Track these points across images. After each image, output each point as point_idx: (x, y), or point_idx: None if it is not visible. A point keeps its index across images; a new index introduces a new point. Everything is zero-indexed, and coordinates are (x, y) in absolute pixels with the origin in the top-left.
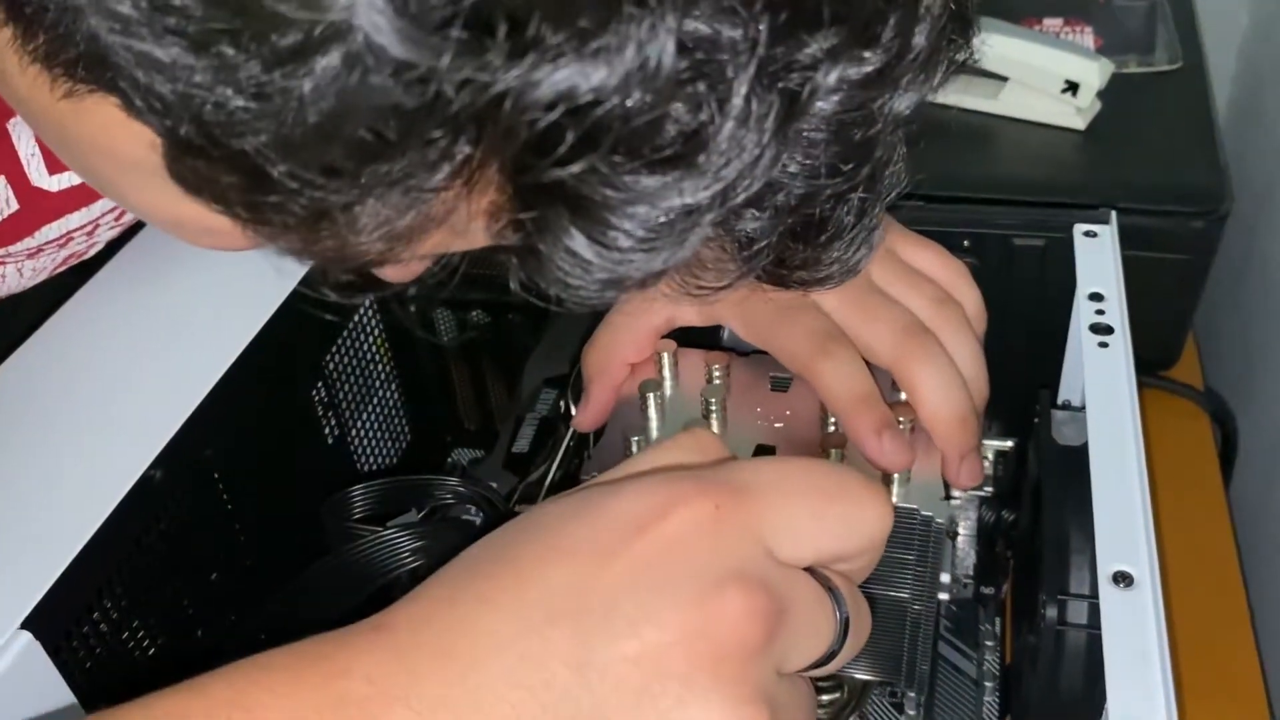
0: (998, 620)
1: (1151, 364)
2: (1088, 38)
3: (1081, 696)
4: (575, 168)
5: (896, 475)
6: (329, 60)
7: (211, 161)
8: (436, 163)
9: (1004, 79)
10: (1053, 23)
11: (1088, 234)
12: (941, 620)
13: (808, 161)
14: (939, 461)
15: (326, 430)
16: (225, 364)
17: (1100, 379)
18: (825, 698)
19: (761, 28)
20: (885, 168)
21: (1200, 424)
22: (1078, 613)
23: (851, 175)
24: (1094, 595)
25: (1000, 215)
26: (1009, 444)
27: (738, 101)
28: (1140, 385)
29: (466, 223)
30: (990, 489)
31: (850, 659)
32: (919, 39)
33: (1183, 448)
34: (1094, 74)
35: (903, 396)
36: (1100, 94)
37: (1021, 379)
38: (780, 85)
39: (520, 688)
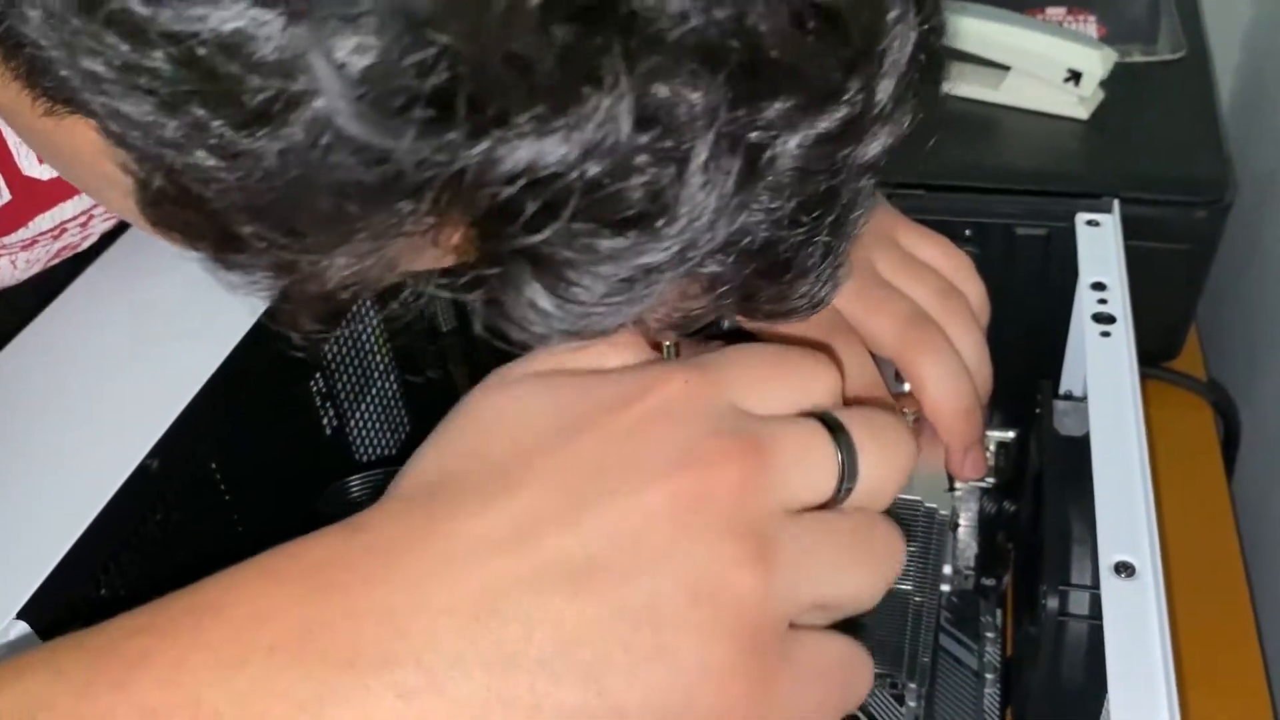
0: (999, 612)
1: (1154, 355)
2: (1091, 26)
3: (1083, 687)
4: (537, 236)
5: None
6: (293, 130)
7: (183, 208)
8: (399, 225)
9: (1006, 68)
10: (1056, 11)
11: (1090, 223)
12: (942, 612)
13: (772, 210)
14: (942, 453)
15: (325, 421)
16: (222, 354)
17: (1102, 369)
18: None
19: (721, 94)
20: (852, 211)
21: (1203, 415)
22: (1079, 604)
23: (816, 222)
24: (1095, 586)
25: (1002, 204)
26: (1010, 435)
27: (697, 166)
28: (1142, 376)
29: (436, 259)
30: (992, 480)
31: (886, 488)
32: (883, 94)
33: (1185, 439)
34: (1097, 63)
35: (906, 387)
36: (1103, 83)
37: (1023, 369)
38: (741, 148)
39: (508, 554)
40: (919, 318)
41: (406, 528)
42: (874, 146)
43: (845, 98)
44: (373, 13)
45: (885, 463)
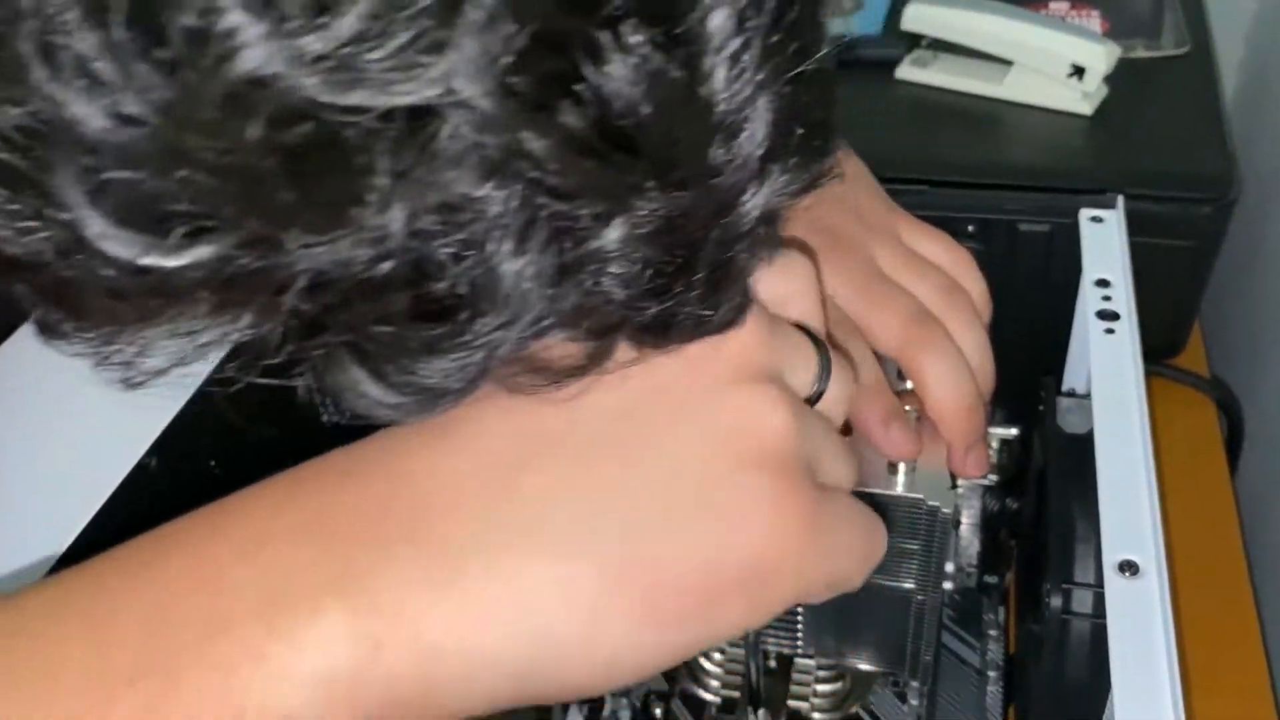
0: (1001, 610)
1: (1157, 352)
2: (1094, 21)
3: (1085, 686)
4: (338, 335)
5: (902, 464)
6: (47, 241)
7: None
8: (198, 313)
9: (1009, 63)
10: (1059, 6)
11: (1094, 219)
12: (945, 609)
13: (624, 275)
14: (944, 451)
15: (324, 416)
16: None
17: (1106, 366)
18: (827, 688)
19: (516, 198)
20: (735, 265)
21: (1206, 413)
22: (1082, 602)
23: (684, 284)
24: (1099, 584)
25: (1006, 200)
26: (1013, 432)
27: (505, 260)
28: (1145, 373)
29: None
30: (994, 477)
31: (838, 408)
32: (737, 174)
33: (1188, 436)
34: (1100, 58)
35: (909, 385)
36: (1107, 79)
37: (1026, 366)
38: (555, 240)
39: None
40: (922, 315)
41: (433, 441)
42: (739, 216)
43: (649, 206)
44: (118, 142)
45: (841, 383)
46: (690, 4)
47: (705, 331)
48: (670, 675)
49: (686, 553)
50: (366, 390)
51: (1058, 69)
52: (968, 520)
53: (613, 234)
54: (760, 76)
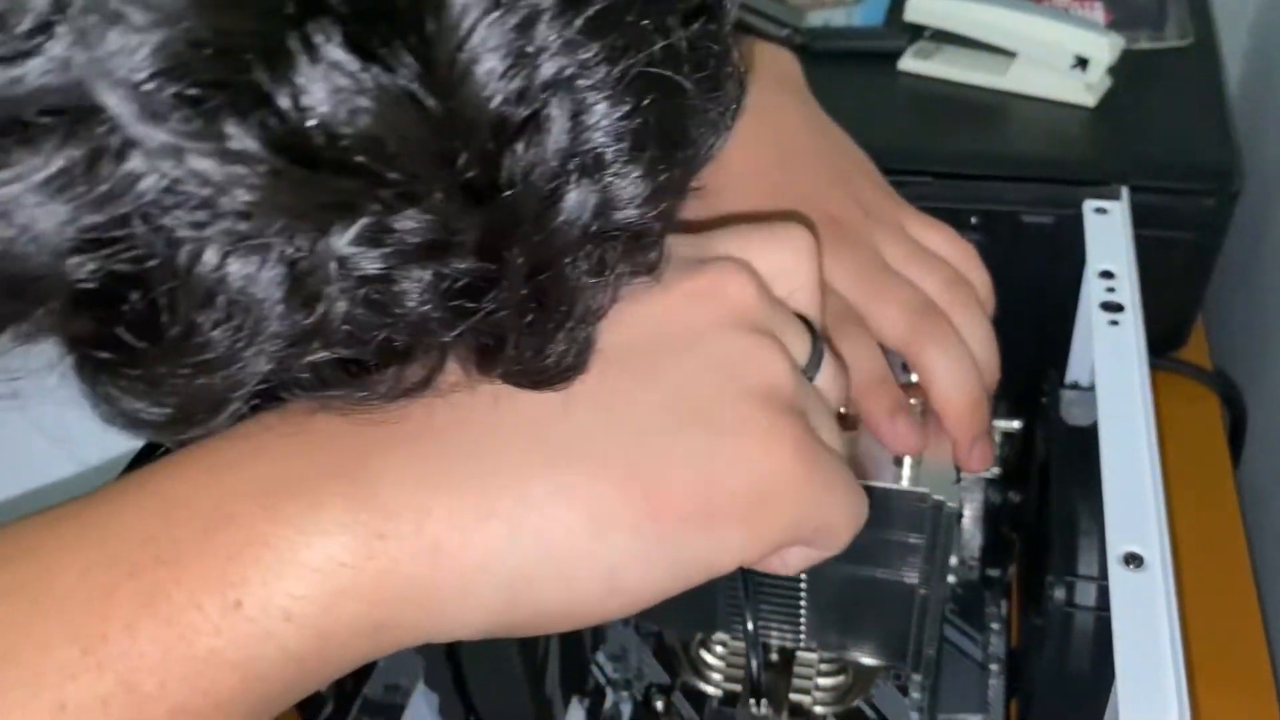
0: (1004, 603)
1: (1160, 344)
2: (1098, 13)
3: (1088, 679)
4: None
5: (907, 458)
6: None
7: None
8: None
9: (1013, 54)
10: None
11: (1098, 210)
12: (948, 603)
13: (397, 291)
14: (949, 445)
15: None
16: None
17: (1110, 358)
18: (829, 681)
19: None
20: (559, 285)
21: (1209, 405)
22: (1085, 594)
23: (485, 302)
24: (1102, 577)
25: (1009, 192)
26: (1016, 424)
27: (206, 276)
28: (1149, 366)
29: None
30: (997, 470)
31: (826, 393)
32: (526, 185)
33: (1191, 429)
34: (1104, 50)
35: (913, 378)
36: (1110, 70)
37: (1029, 358)
38: (265, 254)
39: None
40: (927, 308)
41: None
42: (552, 230)
43: (394, 219)
44: None
45: (831, 376)
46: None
47: (543, 364)
48: (672, 668)
49: (687, 464)
50: (119, 401)
51: (1061, 60)
52: (970, 513)
53: (339, 248)
54: (542, 79)
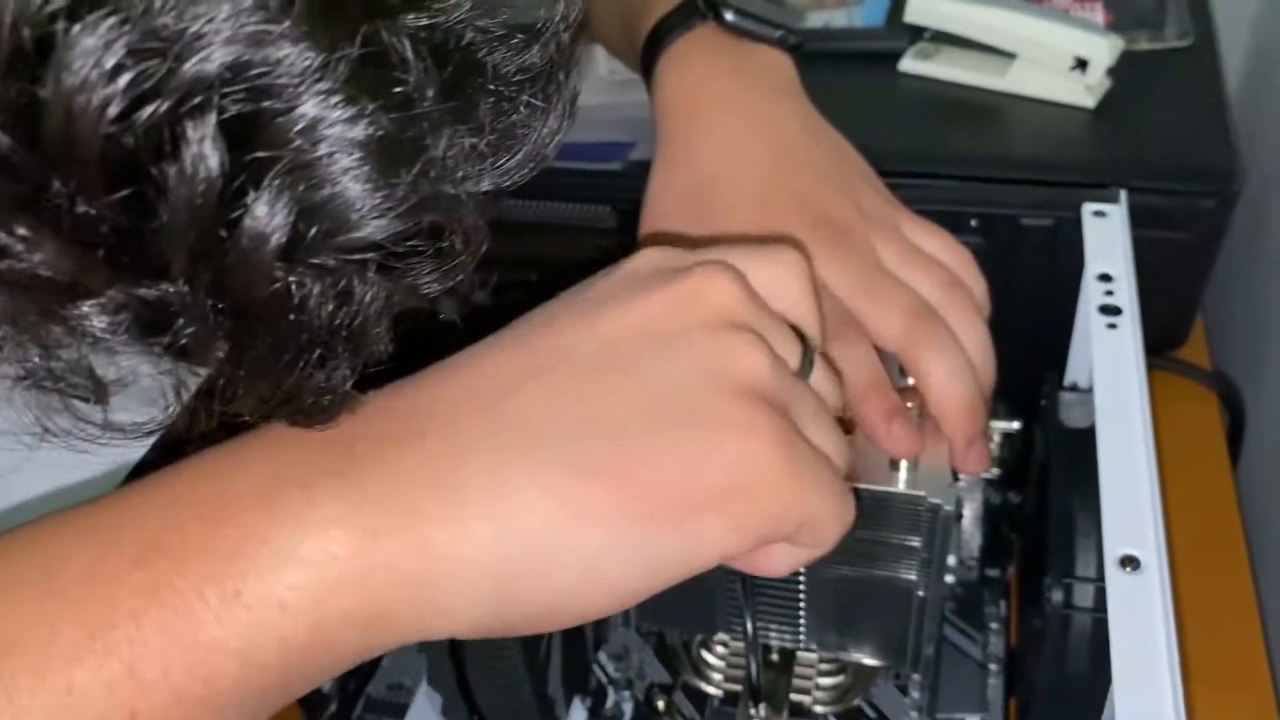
0: (1002, 602)
1: (1159, 344)
2: (1097, 14)
3: (1087, 679)
4: None
5: (904, 461)
6: None
7: None
8: None
9: (1013, 56)
10: None
11: (1097, 214)
12: (946, 602)
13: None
14: (946, 447)
15: None
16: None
17: (1108, 361)
18: (829, 681)
19: None
20: (268, 320)
21: (1208, 405)
22: (1083, 596)
23: (169, 344)
24: (1100, 579)
25: (1009, 195)
26: (1015, 425)
27: None
28: (1147, 366)
29: None
30: (997, 471)
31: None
32: (176, 211)
33: (1190, 429)
34: (1104, 51)
35: (910, 381)
36: (1110, 71)
37: (1029, 360)
38: None
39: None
40: (923, 311)
41: (432, 372)
42: (239, 257)
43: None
44: None
45: (823, 380)
46: None
47: (298, 405)
48: (673, 668)
49: (665, 458)
50: None
51: (1061, 62)
52: (970, 513)
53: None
54: (161, 108)
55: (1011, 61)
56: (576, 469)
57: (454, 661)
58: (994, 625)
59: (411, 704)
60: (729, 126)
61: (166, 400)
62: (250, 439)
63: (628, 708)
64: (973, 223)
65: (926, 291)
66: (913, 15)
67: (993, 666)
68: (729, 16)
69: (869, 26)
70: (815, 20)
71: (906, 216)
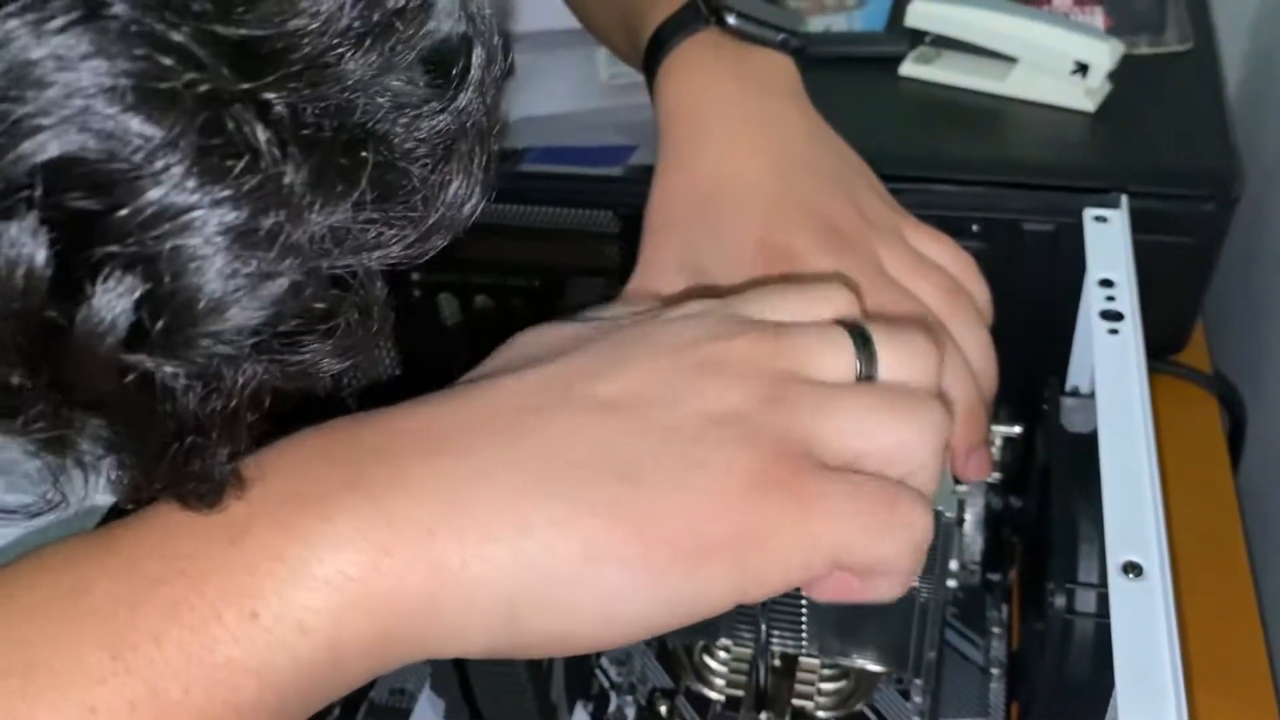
0: (1004, 606)
1: (1160, 348)
2: (1098, 18)
3: (1089, 685)
4: None
5: None
6: None
7: None
8: None
9: (1013, 60)
10: (1062, 2)
11: (1098, 219)
12: (949, 607)
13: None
14: (948, 454)
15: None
16: None
17: (1110, 366)
18: (831, 686)
19: None
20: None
21: (1209, 409)
22: (1086, 601)
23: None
24: (1103, 584)
25: (1010, 199)
26: (1017, 430)
27: None
28: (1148, 370)
29: None
30: (998, 475)
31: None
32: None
33: (1191, 432)
34: (1104, 55)
35: None
36: (1110, 75)
37: (1030, 364)
38: None
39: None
40: (925, 318)
41: (452, 394)
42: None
43: None
44: None
45: (904, 360)
46: None
47: (180, 490)
48: (675, 673)
49: (677, 503)
50: None
51: (1061, 66)
52: (971, 517)
53: None
54: None
55: (1012, 66)
56: (591, 508)
57: (457, 667)
58: (996, 630)
59: (414, 709)
60: (732, 131)
61: (46, 484)
62: (268, 453)
63: (630, 712)
64: (974, 228)
65: (929, 298)
66: (913, 19)
67: (994, 671)
68: (731, 20)
69: (869, 31)
70: (816, 24)
71: (909, 222)
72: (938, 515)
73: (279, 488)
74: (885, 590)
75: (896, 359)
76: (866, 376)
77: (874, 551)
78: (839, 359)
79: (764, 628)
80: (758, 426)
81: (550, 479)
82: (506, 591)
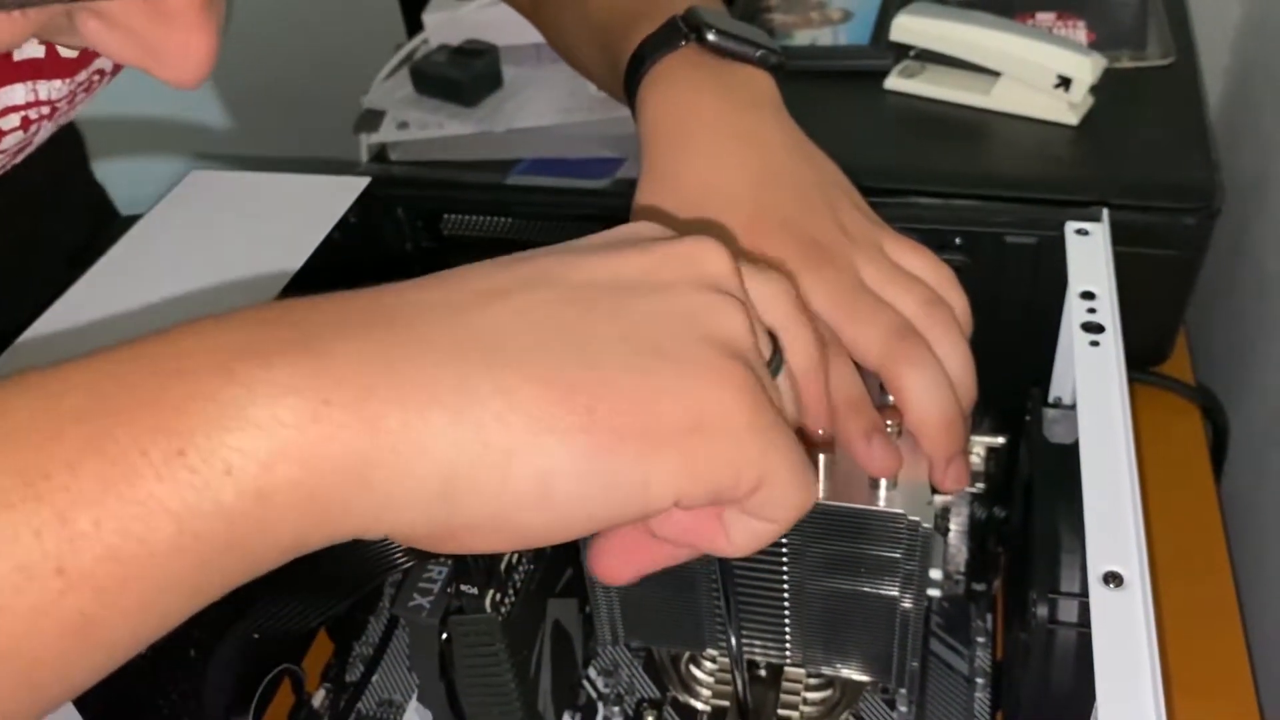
0: (989, 616)
1: (1142, 359)
2: (1080, 32)
3: (1072, 694)
4: None
5: (884, 479)
6: None
7: None
8: None
9: (997, 74)
10: (1045, 17)
11: (1079, 232)
12: (933, 616)
13: None
14: (926, 465)
15: None
16: None
17: (1091, 378)
18: (816, 695)
19: None
20: None
21: (1191, 419)
22: (1068, 611)
23: None
24: (1084, 594)
25: (993, 213)
26: (1000, 440)
27: None
28: (1131, 380)
29: None
30: (982, 485)
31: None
32: None
33: (1173, 443)
34: (1086, 69)
35: (890, 400)
36: (1093, 89)
37: (1014, 375)
38: None
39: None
40: (904, 329)
41: (420, 279)
42: None
43: None
44: None
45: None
46: None
47: None
48: (661, 684)
49: (633, 385)
50: None
51: (1044, 80)
52: (956, 527)
53: None
54: None
55: (995, 79)
56: (543, 380)
57: (444, 679)
58: (980, 639)
59: None
60: (714, 146)
61: None
62: (209, 317)
63: None
64: (957, 240)
65: (908, 310)
66: (898, 34)
67: (979, 680)
68: (711, 37)
69: (854, 45)
70: (801, 38)
71: (889, 235)
72: (916, 526)
73: (219, 338)
74: (741, 541)
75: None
76: (776, 366)
77: (782, 492)
78: (766, 341)
79: (734, 640)
80: (722, 333)
81: (503, 350)
82: (445, 462)
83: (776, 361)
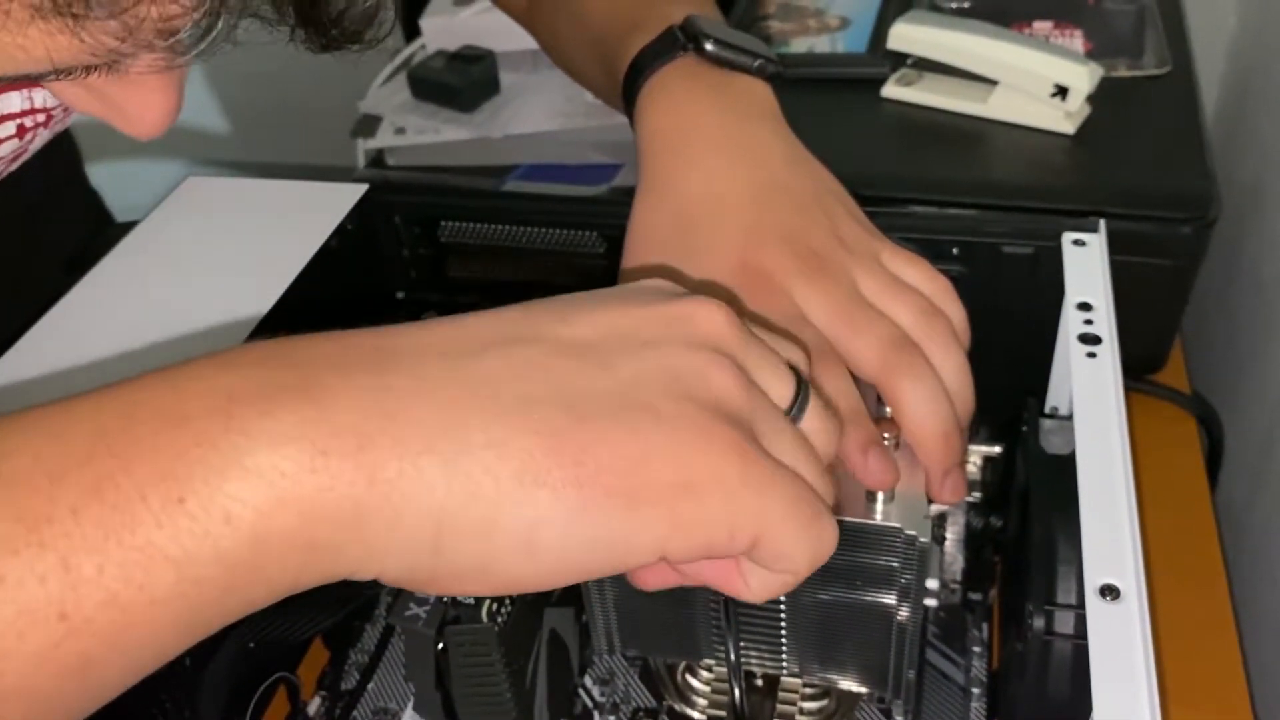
0: (985, 625)
1: (1138, 368)
2: (1077, 42)
3: (1068, 705)
4: None
5: (880, 492)
6: None
7: None
8: None
9: (994, 83)
10: (1042, 26)
11: (1076, 243)
12: (929, 626)
13: None
14: (922, 476)
15: None
16: None
17: (1088, 389)
18: (813, 705)
19: None
20: None
21: (1187, 428)
22: (1064, 623)
23: None
24: (1081, 606)
25: (990, 222)
26: (997, 450)
27: None
28: (1127, 389)
29: None
30: (978, 495)
31: (814, 435)
32: None
33: (1169, 452)
34: (1083, 78)
35: (888, 411)
36: (1090, 98)
37: (1010, 385)
38: None
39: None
40: (901, 341)
41: (417, 323)
42: None
43: None
44: None
45: (817, 418)
46: None
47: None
48: (658, 693)
49: (622, 442)
50: None
51: (1041, 89)
52: (952, 537)
53: None
54: None
55: (992, 88)
56: (534, 433)
57: (440, 688)
58: (976, 649)
59: None
60: (711, 156)
61: None
62: (212, 356)
63: None
64: (954, 250)
65: (905, 321)
66: (895, 42)
67: (975, 691)
68: (709, 46)
69: (852, 53)
70: (799, 46)
71: (886, 246)
72: (913, 540)
73: (221, 382)
74: (758, 589)
75: (811, 424)
76: (794, 417)
77: (788, 544)
78: (779, 390)
79: (732, 649)
80: (711, 392)
81: (497, 403)
82: (435, 510)
83: (802, 399)
